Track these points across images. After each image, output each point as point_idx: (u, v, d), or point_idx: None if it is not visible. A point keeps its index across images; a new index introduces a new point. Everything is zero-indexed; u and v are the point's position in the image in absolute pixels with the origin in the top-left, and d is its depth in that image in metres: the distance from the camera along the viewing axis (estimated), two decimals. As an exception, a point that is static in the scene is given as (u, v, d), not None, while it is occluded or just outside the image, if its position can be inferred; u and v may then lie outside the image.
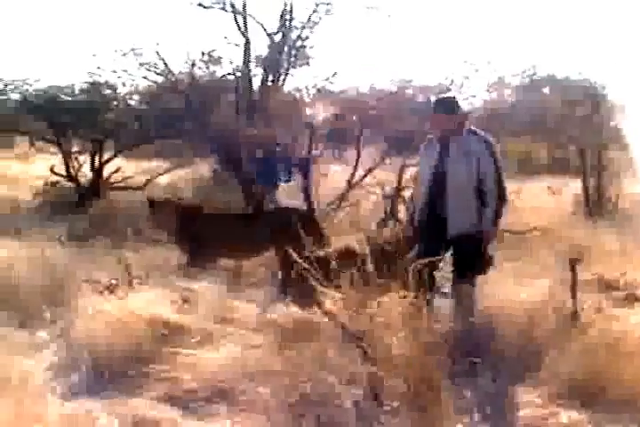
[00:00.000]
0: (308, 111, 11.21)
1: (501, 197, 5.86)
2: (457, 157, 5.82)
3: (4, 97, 14.48)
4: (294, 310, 5.47)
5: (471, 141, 5.84)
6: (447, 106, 5.95)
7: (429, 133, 6.23)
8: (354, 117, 11.14)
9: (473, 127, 6.00)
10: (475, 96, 15.73)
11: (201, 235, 7.71)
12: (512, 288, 5.57)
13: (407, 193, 10.25)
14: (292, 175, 11.32)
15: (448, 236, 5.79)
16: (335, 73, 12.72)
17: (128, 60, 12.65)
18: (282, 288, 6.39)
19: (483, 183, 5.76)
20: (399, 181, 10.44)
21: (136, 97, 14.44)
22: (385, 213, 9.70)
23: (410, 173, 10.05)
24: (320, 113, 10.80)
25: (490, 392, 4.44)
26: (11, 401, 4.13)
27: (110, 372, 5.09)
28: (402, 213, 9.21)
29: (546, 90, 21.87)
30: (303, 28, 13.62)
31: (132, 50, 12.32)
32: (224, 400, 4.40)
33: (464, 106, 6.15)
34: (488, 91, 17.28)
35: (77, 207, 12.04)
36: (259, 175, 11.18)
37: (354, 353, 4.37)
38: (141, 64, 12.46)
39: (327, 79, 12.63)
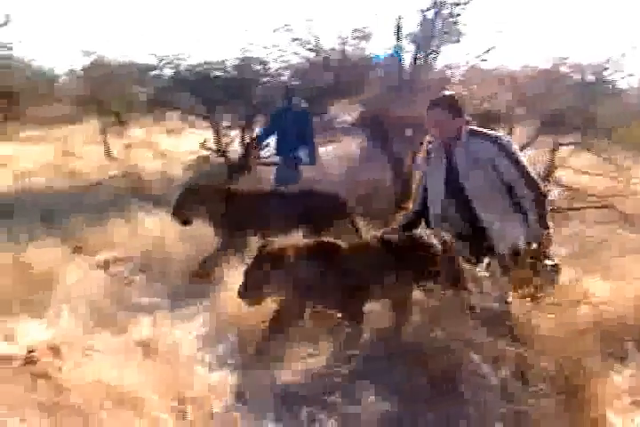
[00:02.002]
0: (460, 89, 10.95)
1: (541, 195, 5.19)
2: (467, 167, 5.18)
3: (158, 72, 14.85)
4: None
5: (476, 146, 5.17)
6: (446, 104, 5.23)
7: (431, 139, 5.49)
8: (507, 96, 10.84)
9: (474, 127, 5.31)
10: (632, 75, 15.07)
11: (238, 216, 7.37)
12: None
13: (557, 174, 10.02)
14: None
15: (497, 252, 5.08)
16: (490, 49, 12.35)
17: (280, 36, 12.75)
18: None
19: (513, 190, 5.16)
20: (552, 160, 10.19)
21: (287, 73, 14.52)
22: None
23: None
24: (472, 91, 10.54)
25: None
26: (162, 369, 4.25)
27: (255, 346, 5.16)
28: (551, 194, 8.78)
29: None
30: (456, 4, 13.37)
31: (285, 26, 12.38)
32: (366, 378, 4.35)
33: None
34: (647, 69, 16.52)
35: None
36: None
37: (502, 333, 4.27)
38: (293, 40, 12.51)
39: (479, 56, 12.34)
